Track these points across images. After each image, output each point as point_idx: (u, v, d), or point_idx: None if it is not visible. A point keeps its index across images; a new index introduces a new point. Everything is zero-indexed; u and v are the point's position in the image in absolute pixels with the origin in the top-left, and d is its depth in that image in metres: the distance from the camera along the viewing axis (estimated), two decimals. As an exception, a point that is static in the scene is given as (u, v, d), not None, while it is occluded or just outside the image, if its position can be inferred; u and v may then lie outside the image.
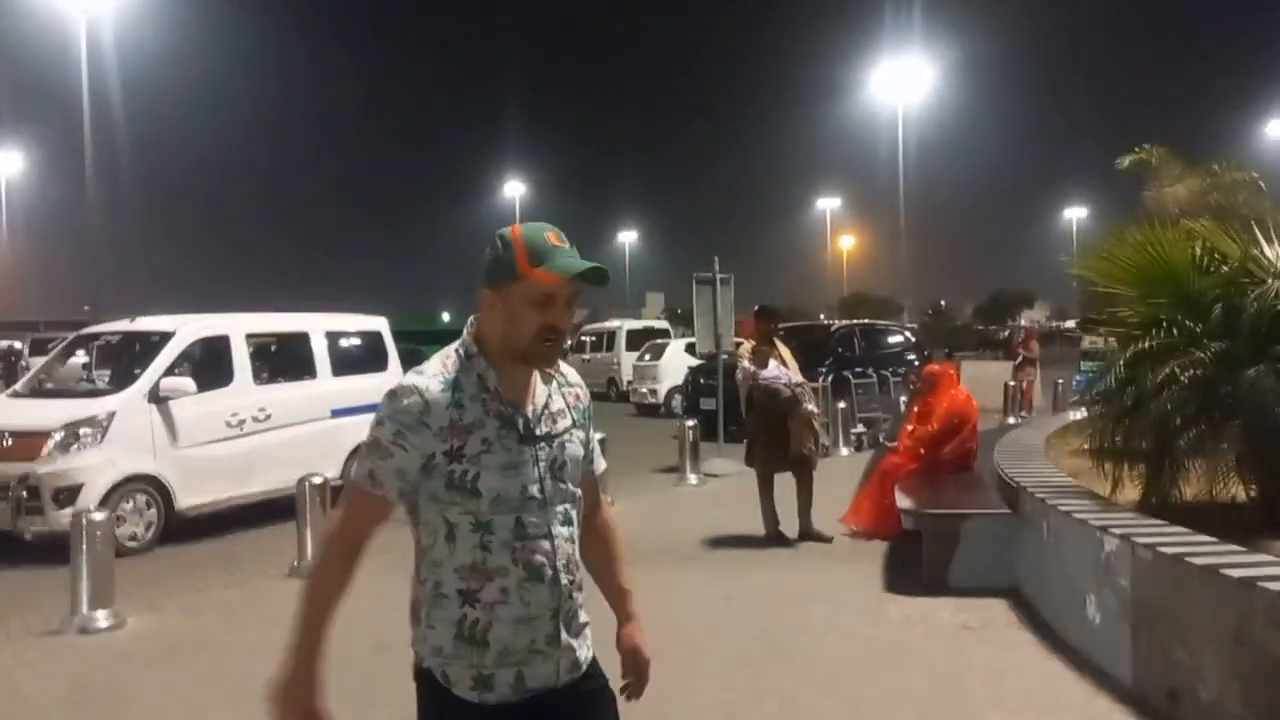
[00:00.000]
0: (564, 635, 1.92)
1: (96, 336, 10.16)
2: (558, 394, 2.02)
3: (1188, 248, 5.93)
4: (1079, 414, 8.26)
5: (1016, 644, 5.13)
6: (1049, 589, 5.47)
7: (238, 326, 9.33)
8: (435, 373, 1.91)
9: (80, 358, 10.23)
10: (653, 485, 10.93)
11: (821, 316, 44.17)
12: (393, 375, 10.09)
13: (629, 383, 23.08)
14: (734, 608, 5.97)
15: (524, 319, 1.89)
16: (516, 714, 1.88)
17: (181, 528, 8.39)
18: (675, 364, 20.60)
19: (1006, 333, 40.09)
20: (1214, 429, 5.43)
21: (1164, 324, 5.79)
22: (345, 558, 1.88)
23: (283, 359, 10.17)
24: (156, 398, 8.29)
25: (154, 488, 8.16)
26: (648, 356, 22.36)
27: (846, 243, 74.65)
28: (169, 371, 8.49)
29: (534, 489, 1.90)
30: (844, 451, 13.16)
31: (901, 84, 40.79)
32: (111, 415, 8.04)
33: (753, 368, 7.70)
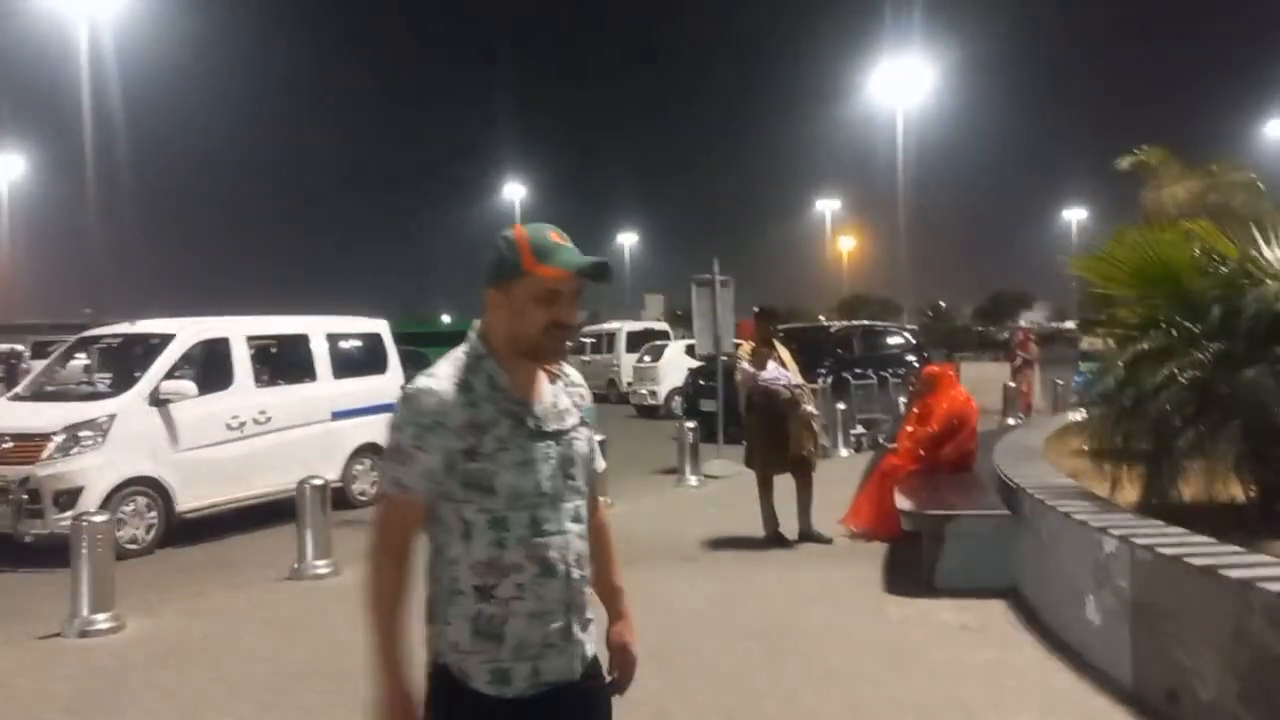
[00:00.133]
0: (575, 630, 1.96)
1: (97, 339, 10.18)
2: (564, 393, 2.05)
3: (1186, 249, 5.95)
4: (1078, 415, 8.26)
5: (1016, 644, 5.13)
6: (1048, 590, 5.47)
7: (238, 329, 9.33)
8: (446, 374, 1.93)
9: (81, 360, 10.25)
10: (652, 487, 10.92)
11: (821, 318, 44.10)
12: (393, 378, 10.13)
13: (629, 384, 23.09)
14: (734, 608, 5.98)
15: (531, 315, 1.91)
16: (530, 708, 1.90)
17: (182, 530, 8.40)
18: (675, 365, 20.61)
19: (1006, 335, 40.06)
20: (1213, 429, 5.42)
21: (1163, 325, 5.80)
22: (394, 565, 1.91)
23: (283, 361, 10.18)
24: (157, 400, 8.30)
25: (154, 490, 8.17)
26: (647, 358, 22.38)
27: (846, 244, 74.54)
28: (170, 374, 8.50)
29: (547, 485, 1.92)
30: (843, 453, 13.15)
31: (901, 85, 40.76)
32: (112, 418, 8.05)
33: (752, 369, 7.71)
